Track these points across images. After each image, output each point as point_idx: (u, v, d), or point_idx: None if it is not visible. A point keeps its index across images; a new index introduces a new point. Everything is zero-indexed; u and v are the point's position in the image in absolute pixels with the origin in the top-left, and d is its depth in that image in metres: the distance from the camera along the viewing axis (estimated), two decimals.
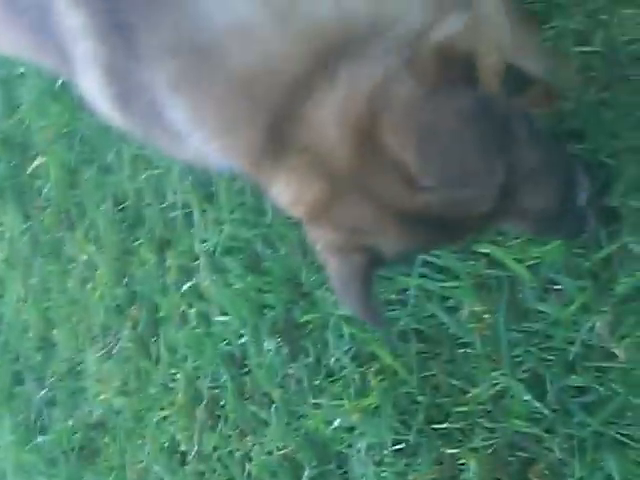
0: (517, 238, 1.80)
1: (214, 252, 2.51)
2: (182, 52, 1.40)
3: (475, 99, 1.31)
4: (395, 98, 1.28)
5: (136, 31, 1.43)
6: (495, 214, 1.37)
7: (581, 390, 1.75)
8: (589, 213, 1.56)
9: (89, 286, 3.07)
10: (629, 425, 1.66)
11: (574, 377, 1.74)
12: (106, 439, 2.93)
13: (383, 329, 1.55)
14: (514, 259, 1.79)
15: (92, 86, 1.55)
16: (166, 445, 2.69)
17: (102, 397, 2.95)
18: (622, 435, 1.67)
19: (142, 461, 2.80)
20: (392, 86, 1.28)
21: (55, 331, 3.24)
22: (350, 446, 2.12)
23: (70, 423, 3.10)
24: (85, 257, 3.10)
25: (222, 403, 2.49)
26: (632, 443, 1.65)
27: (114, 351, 2.94)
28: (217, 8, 1.37)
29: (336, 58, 1.31)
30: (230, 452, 2.47)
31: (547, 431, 1.77)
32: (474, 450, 1.87)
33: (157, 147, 1.69)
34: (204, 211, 2.57)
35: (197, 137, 1.45)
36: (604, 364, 1.70)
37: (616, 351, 1.67)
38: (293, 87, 1.33)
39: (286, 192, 1.40)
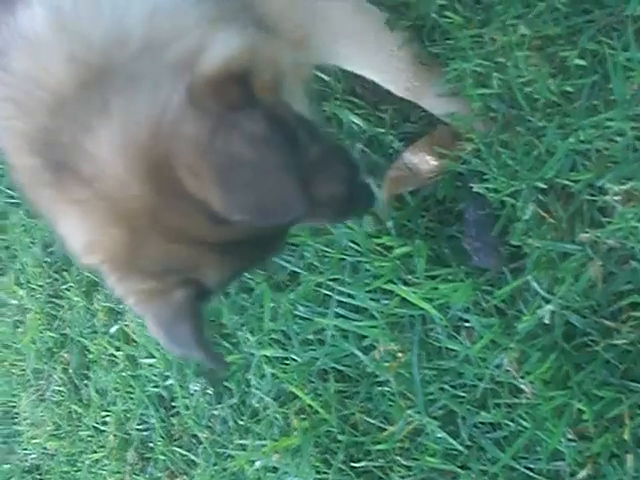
0: (427, 278, 1.81)
1: None
2: None
3: (262, 120, 1.27)
4: (184, 138, 1.23)
5: None
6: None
7: (493, 426, 1.76)
8: (370, 187, 1.66)
9: (20, 330, 3.07)
10: (538, 459, 1.68)
11: (485, 413, 1.76)
12: None
13: (218, 365, 1.49)
14: (424, 298, 1.81)
15: None
16: None
17: (36, 441, 2.94)
18: (531, 470, 1.69)
19: None
20: (176, 124, 1.23)
21: None
22: None
23: (6, 467, 3.07)
24: (16, 301, 3.08)
25: (151, 445, 2.47)
26: (540, 478, 1.67)
27: (46, 394, 2.93)
28: (21, 19, 1.35)
29: (106, 85, 1.26)
30: None
31: (462, 467, 1.80)
32: None
33: None
34: None
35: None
36: (513, 400, 1.72)
37: (523, 386, 1.69)
38: (60, 107, 1.28)
39: (76, 233, 1.33)
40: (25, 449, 3.06)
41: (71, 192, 1.29)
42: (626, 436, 1.57)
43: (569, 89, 1.67)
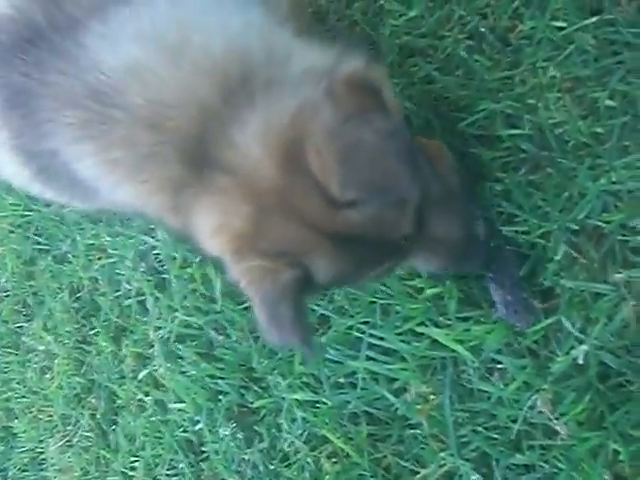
0: (459, 320, 1.81)
1: (168, 339, 2.52)
2: (80, 102, 1.43)
3: (389, 121, 1.37)
4: (317, 124, 1.33)
5: (34, 99, 1.47)
6: (411, 243, 1.41)
7: (527, 467, 1.76)
8: (486, 245, 1.67)
9: (48, 376, 3.08)
10: None
11: (519, 455, 1.75)
12: None
13: (311, 351, 1.52)
14: (455, 340, 1.81)
15: (11, 169, 1.59)
16: None
17: None
18: None
19: None
20: (313, 113, 1.34)
21: (16, 421, 3.22)
22: None
23: None
24: (43, 347, 3.09)
25: None
26: None
27: (74, 440, 2.92)
28: (109, 54, 1.42)
29: (246, 86, 1.37)
30: None
31: None
32: None
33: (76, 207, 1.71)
34: (157, 299, 2.58)
35: (108, 183, 1.47)
36: (547, 441, 1.71)
37: (558, 428, 1.69)
38: (205, 115, 1.37)
39: (210, 218, 1.42)
40: None
41: (212, 183, 1.39)
42: None
43: (600, 130, 1.68)
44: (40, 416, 3.11)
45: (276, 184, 1.35)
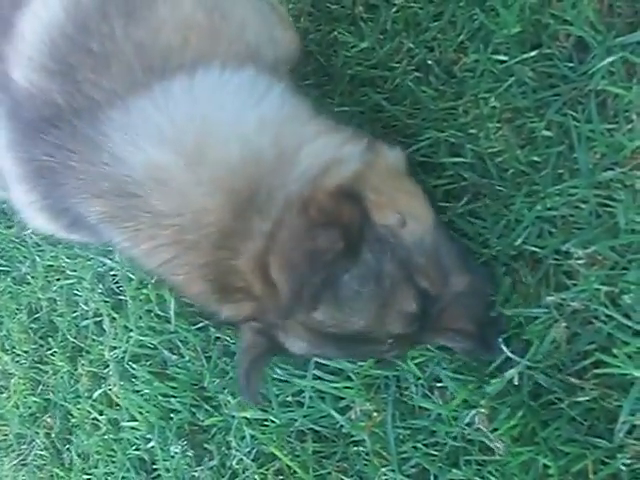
0: None
1: (123, 359, 2.55)
2: (106, 195, 1.47)
3: (340, 239, 1.40)
4: (280, 242, 1.39)
5: (59, 175, 1.50)
6: (420, 334, 1.47)
7: None
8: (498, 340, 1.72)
9: (4, 395, 3.09)
10: None
11: (456, 471, 1.80)
12: None
13: (252, 401, 1.58)
14: None
15: (41, 222, 1.64)
16: None
17: None
18: None
19: None
20: (281, 231, 1.39)
21: None
22: None
23: None
24: (0, 367, 3.10)
25: None
26: None
27: (28, 459, 2.94)
28: (131, 152, 1.45)
29: (251, 205, 1.42)
30: None
31: None
32: None
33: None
34: (113, 319, 2.62)
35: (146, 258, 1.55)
36: (483, 457, 1.77)
37: (493, 444, 1.74)
38: (220, 239, 1.43)
39: (229, 312, 1.54)
40: None
41: (232, 299, 1.50)
42: None
43: (536, 159, 1.75)
44: None
45: (264, 293, 1.45)
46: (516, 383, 1.71)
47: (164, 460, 2.38)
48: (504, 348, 1.71)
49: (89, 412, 2.68)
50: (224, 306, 1.52)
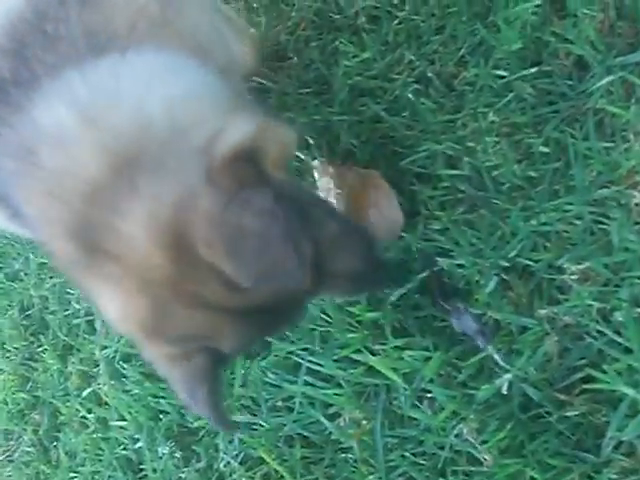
0: (395, 348, 1.88)
1: (113, 358, 2.56)
2: (12, 153, 1.47)
3: (268, 197, 1.36)
4: (199, 212, 1.33)
5: None
6: (314, 287, 1.47)
7: None
8: (387, 266, 1.76)
9: None
10: None
11: None
12: None
13: (230, 431, 1.57)
14: (390, 368, 1.87)
15: None
16: None
17: None
18: None
19: None
20: (195, 200, 1.33)
21: None
22: None
23: None
24: None
25: None
26: None
27: (15, 455, 2.94)
28: (43, 112, 1.45)
29: (134, 169, 1.36)
30: None
31: None
32: None
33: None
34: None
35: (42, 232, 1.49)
36: (470, 468, 1.78)
37: (481, 455, 1.76)
38: (94, 194, 1.37)
39: (110, 306, 1.41)
40: None
41: (102, 269, 1.38)
42: None
43: (533, 174, 1.77)
44: None
45: (169, 274, 1.35)
46: (505, 392, 1.73)
47: (152, 461, 2.39)
48: (496, 356, 1.73)
49: (78, 410, 2.68)
50: (100, 286, 1.41)
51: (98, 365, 2.65)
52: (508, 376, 1.72)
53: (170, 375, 1.47)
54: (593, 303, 1.66)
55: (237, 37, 1.88)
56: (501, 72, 1.88)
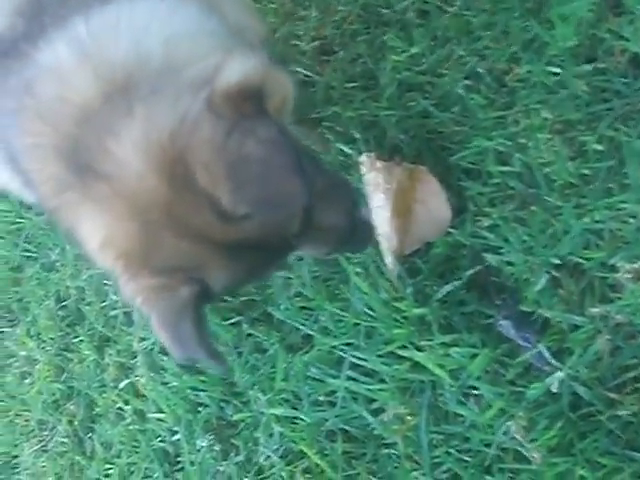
0: (442, 345, 1.88)
1: (152, 350, 2.56)
2: (17, 94, 1.49)
3: (273, 128, 1.39)
4: (199, 137, 1.33)
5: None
6: (301, 236, 1.47)
7: None
8: (369, 224, 1.80)
9: (27, 381, 3.08)
10: None
11: (489, 478, 1.81)
12: None
13: (219, 363, 1.53)
14: (436, 364, 1.87)
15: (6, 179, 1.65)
16: None
17: None
18: None
19: None
20: (194, 126, 1.34)
21: None
22: None
23: None
24: (25, 353, 3.11)
25: None
26: None
27: (49, 446, 2.94)
28: (44, 56, 1.48)
29: (131, 96, 1.38)
30: None
31: None
32: None
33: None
34: None
35: (24, 165, 1.51)
36: (517, 466, 1.77)
37: (530, 454, 1.75)
38: (87, 118, 1.39)
39: (94, 231, 1.42)
40: None
41: (91, 191, 1.39)
42: None
43: (586, 172, 1.77)
44: (17, 420, 3.11)
45: (162, 198, 1.35)
46: (555, 391, 1.72)
47: (189, 453, 2.38)
48: (545, 353, 1.72)
49: (114, 402, 2.67)
50: (86, 210, 1.42)
51: (135, 357, 2.64)
52: (559, 374, 1.71)
53: (152, 311, 1.44)
54: None
55: (249, 10, 1.89)
56: (555, 69, 1.88)
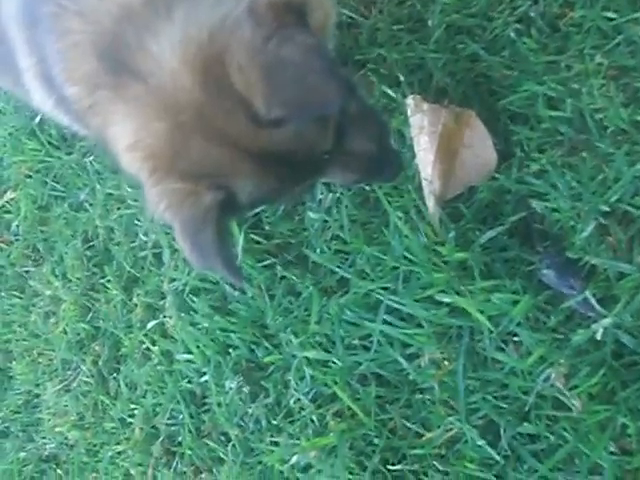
0: (482, 290, 1.86)
1: (182, 291, 2.54)
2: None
3: (312, 38, 1.39)
4: (238, 41, 1.33)
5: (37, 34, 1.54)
6: (331, 157, 1.47)
7: (533, 438, 1.80)
8: (399, 154, 1.82)
9: (52, 320, 3.08)
10: (577, 472, 1.73)
11: (527, 425, 1.80)
12: (59, 471, 2.92)
13: (236, 278, 1.53)
14: (477, 309, 1.85)
15: (40, 96, 1.63)
16: None
17: (57, 430, 2.93)
18: None
19: None
20: (234, 30, 1.34)
21: (14, 363, 3.23)
22: None
23: (22, 455, 3.07)
24: (50, 292, 3.10)
25: (179, 440, 2.49)
26: None
27: (73, 385, 2.94)
28: None
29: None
30: None
31: (498, 476, 1.83)
32: None
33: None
34: (175, 251, 2.61)
35: (57, 72, 1.51)
36: (556, 413, 1.76)
37: (570, 401, 1.73)
38: (127, 16, 1.38)
39: (124, 131, 1.42)
40: (44, 437, 3.04)
41: (126, 90, 1.39)
42: None
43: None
44: (40, 360, 3.11)
45: (195, 99, 1.35)
46: (599, 338, 1.71)
47: (217, 395, 2.37)
48: (591, 300, 1.70)
49: (141, 342, 2.67)
50: (117, 108, 1.43)
51: (164, 298, 2.64)
52: (605, 321, 1.70)
53: (175, 218, 1.44)
54: None
55: None
56: (610, 14, 1.85)
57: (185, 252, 1.47)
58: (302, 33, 1.38)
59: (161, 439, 2.56)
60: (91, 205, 2.99)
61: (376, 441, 2.00)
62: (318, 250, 2.18)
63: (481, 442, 1.84)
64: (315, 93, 1.32)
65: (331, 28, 1.62)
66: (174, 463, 2.51)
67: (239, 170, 1.43)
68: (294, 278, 2.23)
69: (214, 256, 1.43)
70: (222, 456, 2.37)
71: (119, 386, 2.75)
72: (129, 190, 2.83)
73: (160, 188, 1.43)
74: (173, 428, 2.54)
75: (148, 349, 2.66)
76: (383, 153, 1.63)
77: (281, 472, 2.17)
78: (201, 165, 1.42)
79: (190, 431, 2.47)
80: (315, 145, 1.45)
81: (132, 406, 2.68)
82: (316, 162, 1.51)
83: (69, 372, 2.98)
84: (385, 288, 2.03)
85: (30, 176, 3.32)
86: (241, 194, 1.46)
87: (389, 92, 2.12)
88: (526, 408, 1.81)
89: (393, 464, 1.98)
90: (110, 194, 2.92)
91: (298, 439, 2.16)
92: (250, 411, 2.31)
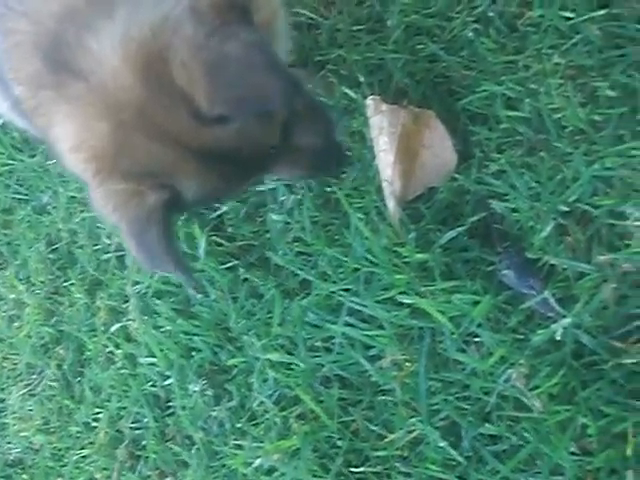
0: (443, 290, 1.85)
1: (145, 294, 2.53)
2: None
3: (255, 34, 1.38)
4: (180, 38, 1.32)
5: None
6: (278, 153, 1.46)
7: (494, 438, 1.80)
8: (344, 148, 1.80)
9: (16, 324, 3.06)
10: (538, 473, 1.72)
11: (488, 426, 1.79)
12: (24, 476, 2.90)
13: (187, 276, 1.53)
14: (438, 310, 1.85)
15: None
16: None
17: (22, 435, 2.92)
18: None
19: None
20: (176, 27, 1.33)
21: None
22: None
23: None
24: (14, 296, 3.08)
25: (143, 444, 2.48)
26: None
27: (37, 389, 2.92)
28: None
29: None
30: None
31: (460, 477, 1.82)
32: None
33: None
34: None
35: (6, 71, 1.50)
36: (517, 414, 1.76)
37: (530, 402, 1.73)
38: (68, 15, 1.37)
39: (67, 131, 1.40)
40: (9, 442, 3.02)
41: (68, 89, 1.37)
42: (629, 452, 1.62)
43: (597, 118, 1.75)
44: (4, 364, 3.09)
45: (136, 97, 1.33)
46: (559, 338, 1.71)
47: (181, 398, 2.36)
48: (550, 300, 1.70)
49: (105, 346, 2.65)
50: (59, 108, 1.41)
51: (128, 301, 2.62)
52: (564, 321, 1.70)
53: (122, 219, 1.43)
54: None
55: None
56: (568, 13, 1.85)
57: (132, 252, 1.47)
58: (245, 30, 1.37)
59: (126, 443, 2.55)
60: (54, 208, 2.97)
61: (339, 443, 1.99)
62: (280, 252, 2.17)
63: (443, 443, 1.83)
64: (256, 89, 1.32)
65: (279, 26, 1.61)
66: (139, 467, 2.50)
67: (183, 169, 1.42)
68: (256, 280, 2.22)
69: (161, 255, 1.43)
70: (186, 460, 2.35)
71: (83, 390, 2.73)
72: None
73: (104, 189, 1.42)
74: (137, 432, 2.53)
75: (112, 352, 2.64)
76: (329, 148, 1.63)
77: (245, 475, 2.15)
78: (144, 164, 1.40)
79: (154, 435, 2.45)
80: (260, 142, 1.44)
81: (96, 410, 2.66)
82: (262, 159, 1.50)
83: (34, 376, 2.96)
84: (347, 290, 2.02)
85: None
86: (186, 192, 1.45)
87: (349, 93, 2.11)
88: (487, 409, 1.80)
89: (356, 466, 1.97)
90: (73, 197, 2.89)
91: (262, 442, 2.15)
92: (214, 414, 2.30)
